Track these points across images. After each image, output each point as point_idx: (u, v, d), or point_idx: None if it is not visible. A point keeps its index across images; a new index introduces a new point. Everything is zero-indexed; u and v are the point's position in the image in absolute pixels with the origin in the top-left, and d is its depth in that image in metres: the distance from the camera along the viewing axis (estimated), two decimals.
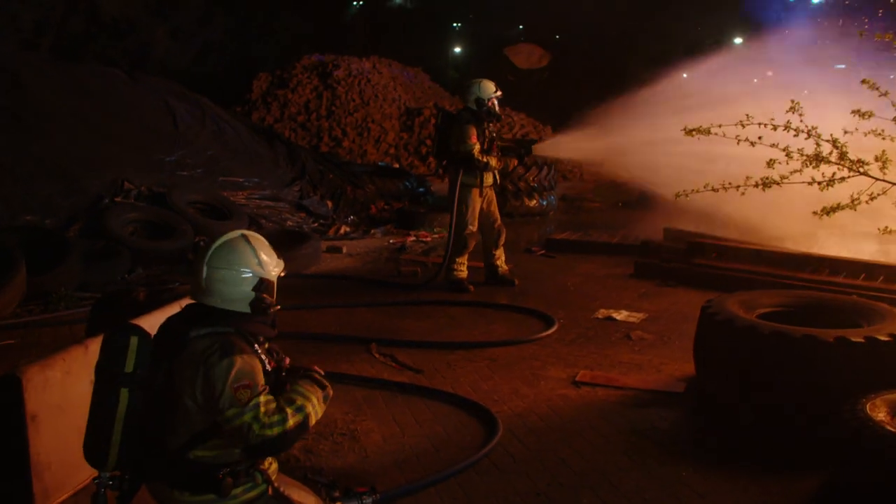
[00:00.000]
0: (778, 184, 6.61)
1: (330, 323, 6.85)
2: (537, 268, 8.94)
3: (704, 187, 6.87)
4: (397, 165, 16.60)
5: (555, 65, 26.83)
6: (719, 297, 5.15)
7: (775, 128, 6.50)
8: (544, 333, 6.41)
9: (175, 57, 20.70)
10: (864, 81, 6.41)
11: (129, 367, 2.58)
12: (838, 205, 6.57)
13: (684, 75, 10.50)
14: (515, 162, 8.66)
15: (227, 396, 2.52)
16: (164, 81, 12.66)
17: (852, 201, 6.47)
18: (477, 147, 7.57)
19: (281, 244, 3.03)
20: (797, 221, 7.75)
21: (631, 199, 13.44)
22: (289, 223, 10.72)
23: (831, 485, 3.94)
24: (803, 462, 4.15)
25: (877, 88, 6.29)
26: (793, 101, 6.46)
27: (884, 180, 6.40)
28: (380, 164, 16.18)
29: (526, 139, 16.31)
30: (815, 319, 4.84)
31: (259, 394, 2.57)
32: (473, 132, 7.57)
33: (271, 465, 2.81)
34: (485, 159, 7.63)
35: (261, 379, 2.61)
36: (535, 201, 12.58)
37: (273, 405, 2.58)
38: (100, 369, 2.64)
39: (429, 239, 10.67)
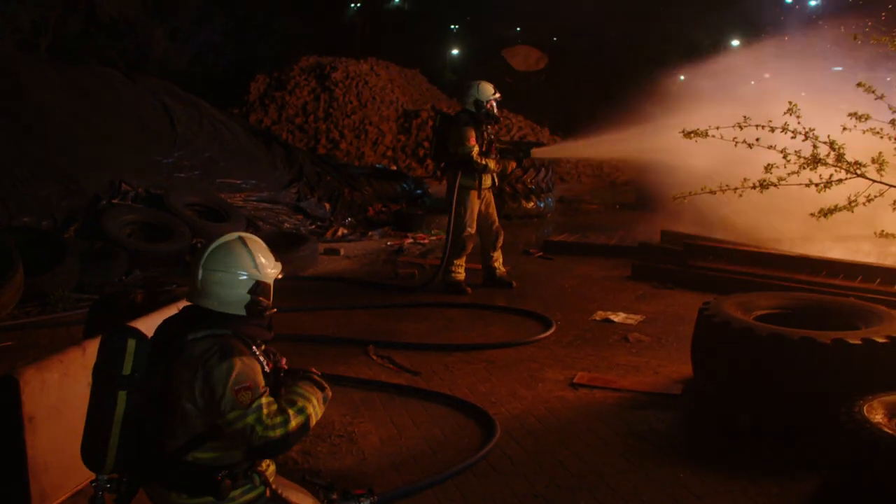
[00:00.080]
0: (775, 185, 6.61)
1: (327, 325, 6.85)
2: (535, 270, 8.95)
3: (702, 189, 6.87)
4: (395, 167, 16.60)
5: (553, 67, 26.83)
6: (717, 299, 5.16)
7: (773, 129, 6.51)
8: (542, 335, 6.41)
9: (173, 58, 20.69)
10: (860, 84, 6.43)
11: (127, 369, 2.57)
12: (835, 206, 6.58)
13: (681, 77, 10.52)
14: (514, 164, 8.66)
15: (228, 399, 2.52)
16: (162, 82, 12.65)
17: (849, 203, 6.48)
18: (475, 149, 7.57)
19: (278, 246, 3.03)
20: (795, 223, 7.76)
21: (628, 200, 13.47)
22: (286, 225, 10.72)
23: (828, 486, 3.94)
24: (801, 464, 4.16)
25: (873, 91, 6.31)
26: (790, 103, 6.47)
27: (881, 182, 6.41)
28: (377, 166, 16.17)
29: (524, 141, 16.32)
30: (813, 321, 4.84)
31: (260, 395, 2.57)
32: (472, 134, 7.57)
33: (269, 467, 2.80)
34: (483, 161, 7.63)
35: (261, 380, 2.61)
36: (532, 203, 12.58)
37: (275, 407, 2.58)
38: (97, 372, 2.63)
39: (426, 241, 10.68)
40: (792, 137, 6.51)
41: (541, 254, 9.74)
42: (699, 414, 4.92)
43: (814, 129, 6.50)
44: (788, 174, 6.55)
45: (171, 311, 3.28)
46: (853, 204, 6.46)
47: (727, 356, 4.72)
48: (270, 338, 2.79)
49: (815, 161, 6.51)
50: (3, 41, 15.89)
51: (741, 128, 6.53)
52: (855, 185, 6.52)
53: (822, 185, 6.48)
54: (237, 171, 11.14)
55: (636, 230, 10.30)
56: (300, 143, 17.50)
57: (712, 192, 6.92)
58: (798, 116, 6.40)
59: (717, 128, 6.61)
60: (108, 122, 10.66)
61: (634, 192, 13.57)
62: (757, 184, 6.65)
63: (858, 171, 6.44)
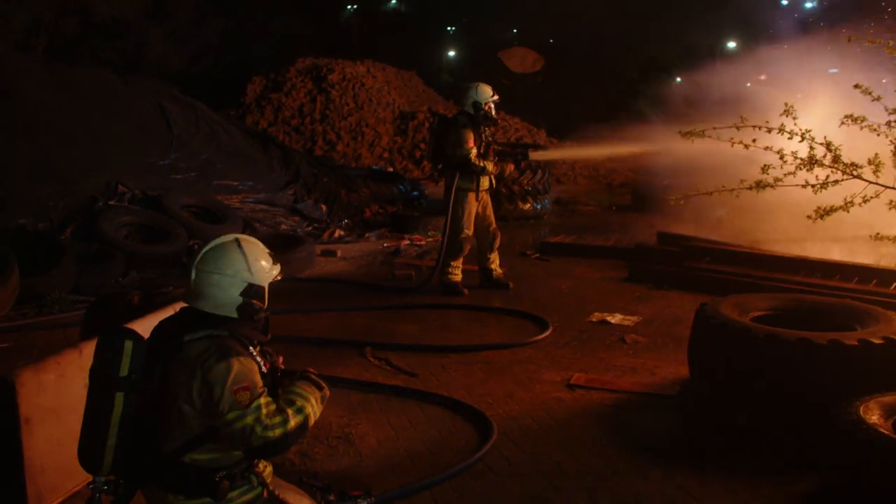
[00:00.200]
0: (772, 186, 6.63)
1: (324, 327, 6.85)
2: (532, 271, 8.95)
3: (699, 191, 6.89)
4: (391, 169, 16.58)
5: (550, 68, 26.83)
6: (713, 300, 5.16)
7: (769, 130, 6.53)
8: (539, 337, 6.41)
9: (170, 59, 20.64)
10: (856, 86, 6.45)
11: (124, 371, 2.57)
12: (832, 207, 6.60)
13: (678, 79, 10.54)
14: (512, 166, 8.65)
15: (226, 400, 2.52)
16: (159, 84, 12.64)
17: (846, 204, 6.50)
18: (474, 151, 7.57)
19: (275, 248, 3.02)
20: (791, 224, 7.77)
21: (625, 202, 13.47)
22: (283, 227, 10.70)
23: (826, 487, 3.95)
24: (798, 465, 4.16)
25: (869, 93, 6.33)
26: (787, 104, 6.50)
27: (877, 183, 6.44)
28: (374, 167, 16.16)
29: (520, 143, 16.30)
30: (809, 322, 4.85)
31: (259, 395, 2.57)
32: (470, 136, 7.57)
33: (266, 468, 2.80)
34: (481, 164, 7.63)
35: (259, 381, 2.61)
36: (529, 205, 12.57)
37: (273, 407, 2.58)
38: (94, 373, 2.62)
39: (423, 242, 10.67)
40: (789, 138, 6.53)
41: (537, 255, 9.74)
42: (696, 415, 4.92)
43: (810, 131, 6.52)
44: (785, 175, 6.58)
45: (168, 312, 3.28)
46: (849, 205, 6.49)
47: (724, 357, 4.72)
48: (266, 340, 2.79)
49: (811, 162, 6.54)
50: None
51: (738, 128, 6.56)
52: (851, 187, 6.55)
53: (818, 186, 6.51)
54: (234, 172, 11.12)
55: (633, 231, 10.29)
56: (297, 144, 17.48)
57: (709, 194, 6.94)
58: (794, 118, 6.43)
59: (714, 128, 6.64)
60: (105, 123, 10.64)
61: (631, 193, 13.57)
62: (753, 185, 6.68)
63: (855, 173, 6.47)
